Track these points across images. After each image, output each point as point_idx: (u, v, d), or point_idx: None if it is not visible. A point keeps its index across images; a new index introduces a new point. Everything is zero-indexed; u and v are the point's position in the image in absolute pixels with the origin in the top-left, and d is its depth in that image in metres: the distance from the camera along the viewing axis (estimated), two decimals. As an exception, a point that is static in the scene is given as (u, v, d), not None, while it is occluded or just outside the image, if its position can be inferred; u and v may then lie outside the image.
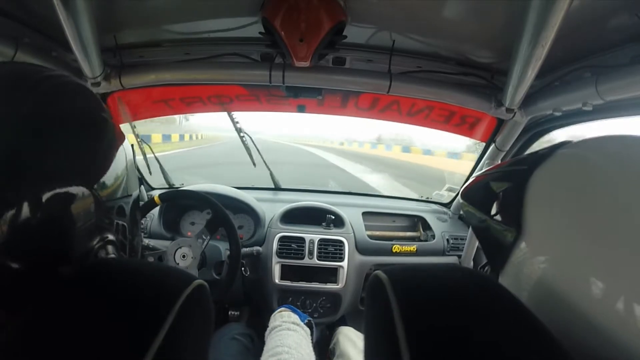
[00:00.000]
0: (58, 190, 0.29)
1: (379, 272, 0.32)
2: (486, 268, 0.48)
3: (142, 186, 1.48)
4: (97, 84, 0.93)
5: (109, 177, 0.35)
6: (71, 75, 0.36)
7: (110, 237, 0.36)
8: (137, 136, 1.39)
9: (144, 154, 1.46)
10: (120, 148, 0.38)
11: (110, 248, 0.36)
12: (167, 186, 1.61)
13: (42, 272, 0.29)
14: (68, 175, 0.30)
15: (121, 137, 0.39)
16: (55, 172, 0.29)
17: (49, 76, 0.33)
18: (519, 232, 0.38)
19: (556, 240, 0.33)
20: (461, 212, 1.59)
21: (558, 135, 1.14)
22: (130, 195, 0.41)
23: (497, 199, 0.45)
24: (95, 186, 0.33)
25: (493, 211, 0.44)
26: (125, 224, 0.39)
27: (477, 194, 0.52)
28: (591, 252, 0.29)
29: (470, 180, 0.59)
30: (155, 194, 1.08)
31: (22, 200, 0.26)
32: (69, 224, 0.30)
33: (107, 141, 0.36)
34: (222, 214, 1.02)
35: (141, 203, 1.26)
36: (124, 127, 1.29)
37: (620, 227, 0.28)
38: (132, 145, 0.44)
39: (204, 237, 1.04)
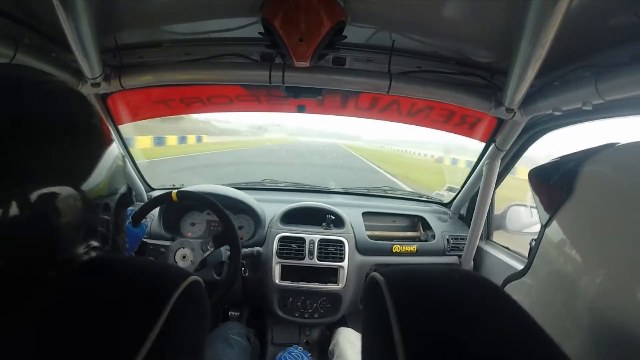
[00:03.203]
0: (44, 190, 0.29)
1: (375, 273, 0.32)
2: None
3: (141, 186, 1.48)
4: (97, 85, 0.93)
5: (95, 177, 0.36)
6: (61, 80, 0.37)
7: (96, 233, 0.37)
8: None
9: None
10: (108, 149, 0.39)
11: (96, 244, 0.36)
12: (167, 186, 1.61)
13: (31, 270, 0.29)
14: (54, 176, 0.31)
15: (109, 139, 0.40)
16: (41, 172, 0.30)
17: (41, 81, 0.34)
18: (550, 219, 0.40)
19: (583, 236, 0.34)
20: (461, 212, 1.59)
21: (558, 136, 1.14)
22: (116, 193, 0.42)
23: (548, 185, 0.50)
24: (82, 186, 0.33)
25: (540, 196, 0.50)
26: (109, 219, 0.40)
27: (539, 176, 0.57)
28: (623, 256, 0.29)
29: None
30: (155, 194, 1.08)
31: (10, 198, 0.27)
32: (56, 222, 0.31)
33: (93, 143, 0.37)
34: (233, 231, 0.99)
35: (142, 201, 1.27)
36: (126, 127, 1.29)
37: None
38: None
39: (208, 247, 1.03)
